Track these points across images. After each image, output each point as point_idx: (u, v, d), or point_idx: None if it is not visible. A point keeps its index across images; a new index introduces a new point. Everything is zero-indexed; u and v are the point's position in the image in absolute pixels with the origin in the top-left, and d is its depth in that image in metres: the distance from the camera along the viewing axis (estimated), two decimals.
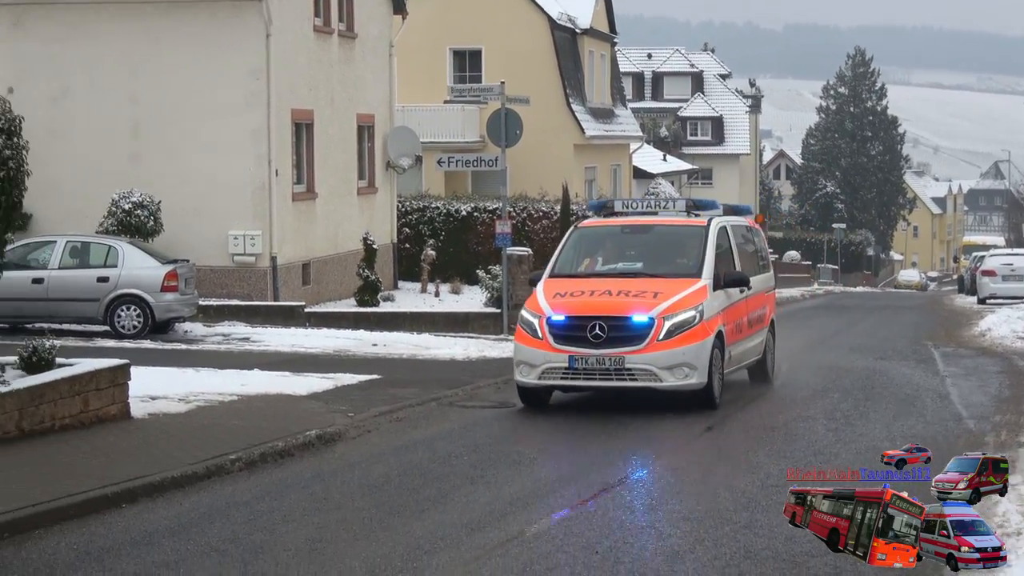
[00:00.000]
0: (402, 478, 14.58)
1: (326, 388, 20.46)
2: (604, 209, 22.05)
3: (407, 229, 43.05)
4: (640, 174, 68.46)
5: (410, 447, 16.41)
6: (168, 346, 26.76)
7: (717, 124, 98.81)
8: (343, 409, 18.40)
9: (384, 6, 40.28)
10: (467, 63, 53.54)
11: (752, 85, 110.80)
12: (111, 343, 26.26)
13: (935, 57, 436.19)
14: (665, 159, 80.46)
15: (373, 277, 34.04)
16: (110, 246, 28.17)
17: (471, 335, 30.14)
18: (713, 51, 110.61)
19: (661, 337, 18.37)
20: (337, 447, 16.45)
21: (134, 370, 17.62)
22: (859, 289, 76.22)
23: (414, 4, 43.07)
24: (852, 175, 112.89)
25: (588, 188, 53.70)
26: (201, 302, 29.70)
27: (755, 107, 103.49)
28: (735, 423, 18.79)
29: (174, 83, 32.14)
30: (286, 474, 14.78)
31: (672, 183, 77.38)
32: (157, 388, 18.90)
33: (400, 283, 40.73)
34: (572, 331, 18.57)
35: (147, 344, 26.64)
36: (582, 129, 53.36)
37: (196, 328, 29.11)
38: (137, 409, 17.45)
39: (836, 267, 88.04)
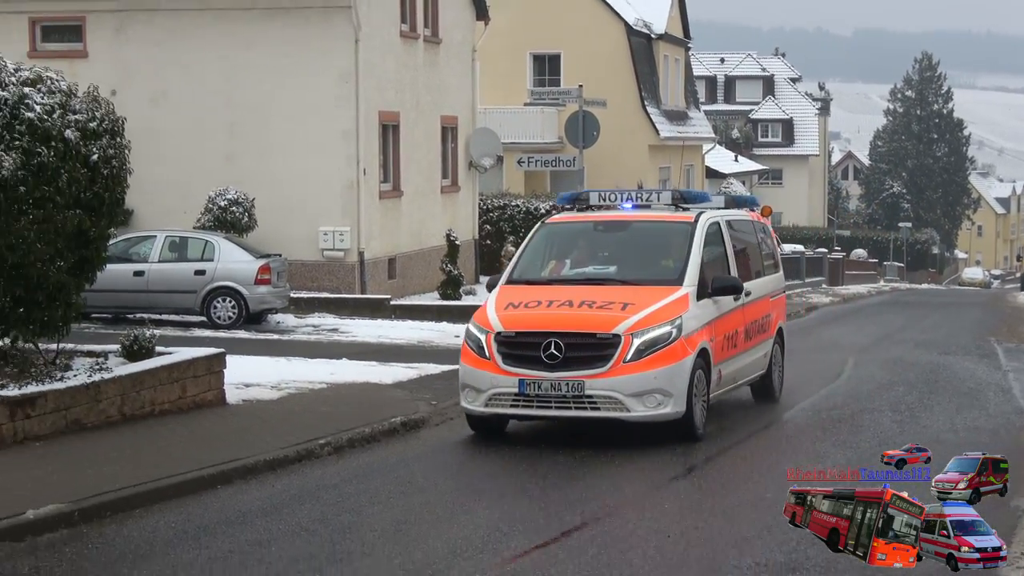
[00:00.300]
0: (482, 464, 14.65)
1: (410, 377, 20.52)
2: (578, 202, 17.89)
3: (488, 226, 43.06)
4: (712, 174, 68.33)
5: None
6: (261, 336, 26.94)
7: (787, 126, 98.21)
8: (426, 397, 18.43)
9: (467, 12, 40.35)
10: (546, 67, 53.54)
11: (821, 88, 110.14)
12: (207, 333, 26.45)
13: (1001, 61, 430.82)
14: (736, 160, 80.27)
15: (455, 272, 34.12)
16: (207, 241, 28.42)
17: None
18: (784, 55, 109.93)
19: (629, 358, 14.87)
20: (421, 433, 16.52)
21: (229, 359, 17.79)
22: (924, 286, 75.44)
23: (496, 10, 43.09)
24: (918, 176, 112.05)
25: (662, 188, 53.53)
26: (292, 295, 29.88)
27: (824, 110, 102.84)
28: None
29: (267, 86, 32.36)
30: (372, 458, 14.87)
31: (743, 183, 77.19)
32: (251, 376, 19.04)
33: (481, 278, 40.71)
34: (523, 350, 15.09)
35: (241, 334, 26.83)
36: (657, 131, 53.22)
37: (287, 319, 29.29)
38: (232, 396, 17.61)
39: (902, 265, 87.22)
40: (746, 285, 17.31)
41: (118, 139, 16.15)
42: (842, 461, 14.29)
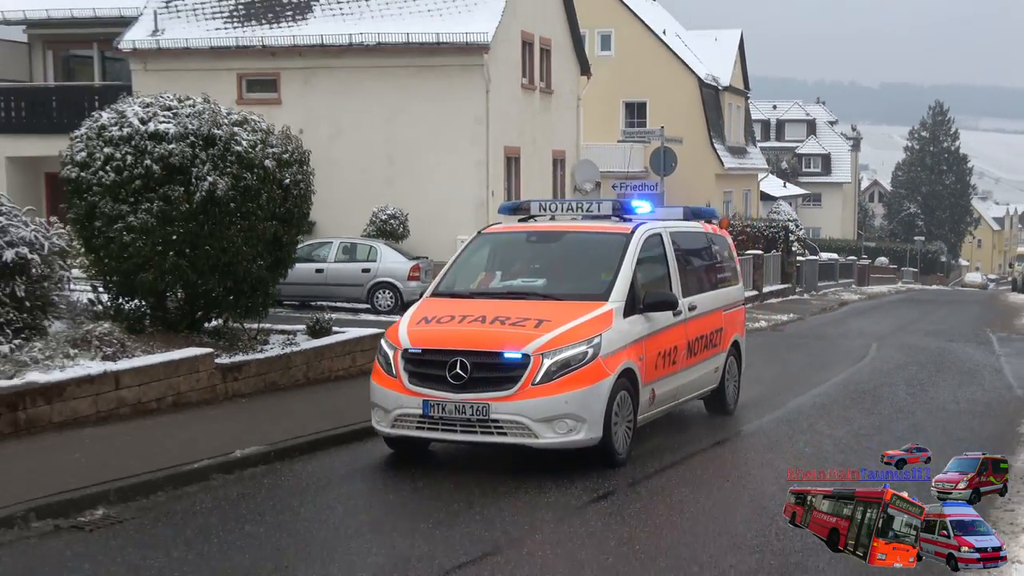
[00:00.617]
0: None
1: None
2: (519, 211, 13.84)
3: None
4: (765, 197, 67.56)
5: None
6: None
7: (826, 160, 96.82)
8: None
9: (574, 69, 40.29)
10: (635, 111, 53.30)
11: (854, 129, 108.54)
12: (371, 317, 26.52)
13: (1000, 108, 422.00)
14: (785, 186, 79.41)
15: None
16: (371, 246, 28.64)
17: None
18: (824, 103, 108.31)
19: (538, 380, 10.85)
20: None
21: None
22: (933, 288, 74.04)
23: (596, 67, 42.97)
24: (930, 199, 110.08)
25: (725, 208, 53.13)
26: None
27: (856, 147, 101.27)
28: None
29: (419, 126, 32.59)
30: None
31: (790, 204, 76.26)
32: None
33: None
34: (429, 368, 11.15)
35: (397, 318, 26.82)
36: (722, 162, 52.82)
37: None
38: None
39: (916, 270, 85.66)
40: (691, 299, 13.37)
41: (305, 167, 16.31)
42: (853, 441, 14.05)
